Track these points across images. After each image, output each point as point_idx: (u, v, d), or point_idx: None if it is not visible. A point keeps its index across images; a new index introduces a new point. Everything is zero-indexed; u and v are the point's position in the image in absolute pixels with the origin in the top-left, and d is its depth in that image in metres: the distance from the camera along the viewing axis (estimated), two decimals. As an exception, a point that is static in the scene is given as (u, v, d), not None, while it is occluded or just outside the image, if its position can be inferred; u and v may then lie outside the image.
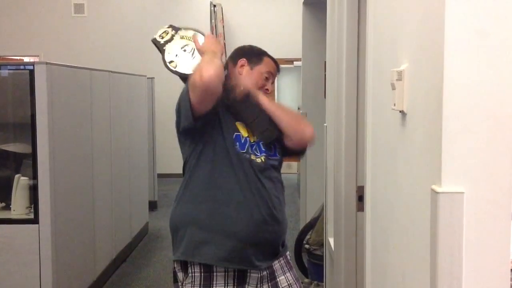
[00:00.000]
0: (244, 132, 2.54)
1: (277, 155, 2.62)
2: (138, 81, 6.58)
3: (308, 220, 5.43)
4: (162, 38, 2.69)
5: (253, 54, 2.71)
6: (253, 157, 2.51)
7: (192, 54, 2.64)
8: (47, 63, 3.69)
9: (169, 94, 6.65)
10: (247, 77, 2.64)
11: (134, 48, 10.17)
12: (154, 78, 7.75)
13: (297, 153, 2.76)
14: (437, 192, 1.27)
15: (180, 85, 2.69)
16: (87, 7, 10.33)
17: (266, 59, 2.71)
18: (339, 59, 3.20)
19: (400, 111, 1.63)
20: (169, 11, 10.29)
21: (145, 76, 6.99)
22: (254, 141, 2.55)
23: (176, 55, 2.64)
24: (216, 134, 2.50)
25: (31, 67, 3.69)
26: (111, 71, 5.27)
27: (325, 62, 4.14)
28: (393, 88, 1.65)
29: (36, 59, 9.67)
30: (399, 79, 1.60)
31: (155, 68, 9.45)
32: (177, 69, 2.61)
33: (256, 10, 10.62)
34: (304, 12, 6.32)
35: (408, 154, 1.59)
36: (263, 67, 2.68)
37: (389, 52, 1.83)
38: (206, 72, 2.31)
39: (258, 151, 2.54)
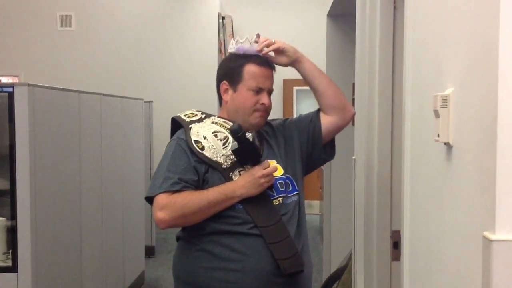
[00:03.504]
0: None
1: (297, 189, 2.61)
2: (134, 105, 6.62)
3: (333, 270, 5.39)
4: (189, 117, 2.67)
5: (231, 70, 2.59)
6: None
7: (225, 142, 2.53)
8: (29, 85, 3.71)
9: (169, 120, 6.66)
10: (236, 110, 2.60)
11: (130, 67, 10.21)
12: (152, 102, 7.80)
13: (327, 155, 2.76)
14: (491, 240, 1.27)
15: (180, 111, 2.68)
16: (75, 19, 10.39)
17: (247, 68, 2.55)
18: (371, 80, 3.21)
19: (445, 143, 1.63)
20: (171, 23, 10.34)
21: (142, 99, 7.03)
22: None
23: (205, 137, 2.54)
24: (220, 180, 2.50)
25: (10, 89, 3.71)
26: (103, 94, 5.31)
27: (353, 84, 4.16)
28: (437, 116, 1.65)
29: (16, 80, 9.76)
30: (444, 105, 1.60)
31: (153, 90, 9.69)
32: (204, 153, 2.51)
33: (271, 23, 10.68)
34: (328, 26, 6.35)
35: (455, 194, 1.58)
36: (247, 82, 2.54)
37: (432, 73, 1.83)
38: (160, 215, 2.44)
39: (274, 191, 2.53)
